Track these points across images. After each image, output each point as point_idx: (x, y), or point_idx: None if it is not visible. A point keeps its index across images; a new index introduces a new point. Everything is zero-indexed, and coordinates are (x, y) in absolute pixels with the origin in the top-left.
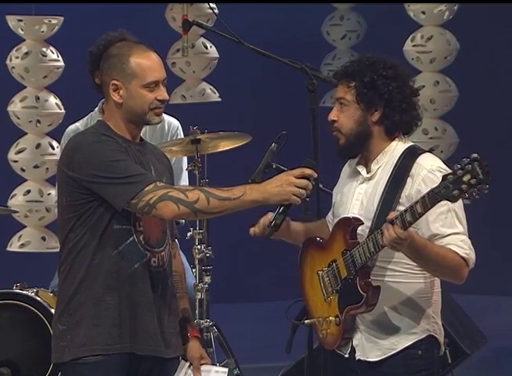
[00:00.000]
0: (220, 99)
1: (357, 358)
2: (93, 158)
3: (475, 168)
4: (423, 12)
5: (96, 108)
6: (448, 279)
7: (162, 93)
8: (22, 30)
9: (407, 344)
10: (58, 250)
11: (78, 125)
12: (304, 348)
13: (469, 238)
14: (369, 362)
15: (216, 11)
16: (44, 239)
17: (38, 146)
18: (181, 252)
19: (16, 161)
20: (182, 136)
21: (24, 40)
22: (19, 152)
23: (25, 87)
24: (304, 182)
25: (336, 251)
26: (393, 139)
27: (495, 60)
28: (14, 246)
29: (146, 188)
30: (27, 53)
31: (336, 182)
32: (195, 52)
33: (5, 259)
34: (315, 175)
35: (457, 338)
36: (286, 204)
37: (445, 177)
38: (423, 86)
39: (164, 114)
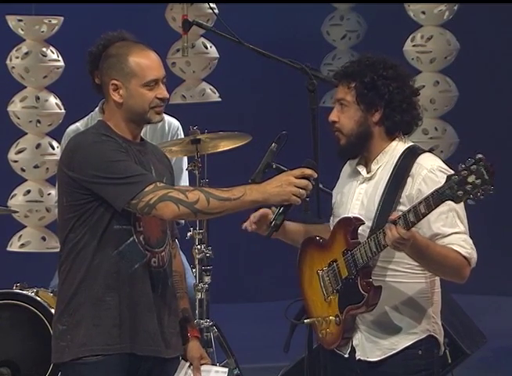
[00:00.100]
0: (220, 99)
1: (357, 358)
2: (93, 158)
3: (480, 169)
4: (423, 12)
5: (97, 108)
6: (450, 278)
7: (162, 91)
8: (22, 30)
9: (407, 344)
10: (58, 250)
11: (79, 125)
12: (303, 348)
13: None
14: (369, 362)
15: (216, 11)
16: (44, 239)
17: (38, 146)
18: (181, 252)
19: (16, 161)
20: (183, 136)
21: (24, 40)
22: (20, 152)
23: (25, 87)
24: (304, 182)
25: (336, 250)
26: (393, 139)
27: (495, 60)
28: (14, 246)
29: (146, 188)
30: (27, 53)
31: (336, 182)
32: (195, 52)
33: (5, 259)
34: (315, 175)
35: (457, 338)
36: (286, 205)
37: (449, 177)
38: (423, 86)
39: (164, 115)
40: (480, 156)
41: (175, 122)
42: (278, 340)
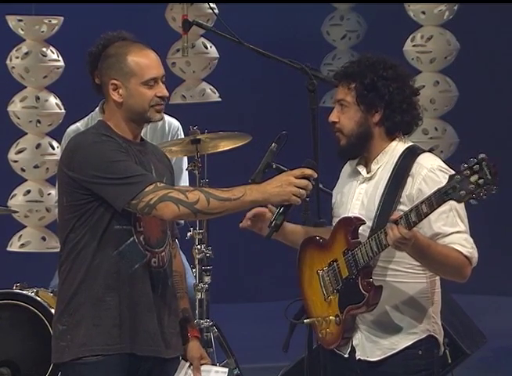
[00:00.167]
0: (220, 99)
1: (357, 358)
2: (93, 158)
3: (483, 169)
4: (423, 12)
5: (97, 108)
6: (452, 278)
7: (161, 90)
8: (22, 30)
9: (407, 344)
10: (58, 250)
11: (79, 125)
12: (303, 348)
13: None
14: (369, 362)
15: (216, 11)
16: (44, 239)
17: (38, 146)
18: (181, 252)
19: (16, 161)
20: (183, 137)
21: (24, 40)
22: (20, 152)
23: (25, 87)
24: (304, 182)
25: (337, 250)
26: (393, 139)
27: (495, 60)
28: (14, 246)
29: (147, 188)
30: (27, 53)
31: (336, 182)
32: (195, 52)
33: (5, 259)
34: (315, 175)
35: (457, 338)
36: (287, 205)
37: (451, 177)
38: (423, 86)
39: (164, 115)
40: (483, 155)
41: (175, 122)
42: (278, 340)
